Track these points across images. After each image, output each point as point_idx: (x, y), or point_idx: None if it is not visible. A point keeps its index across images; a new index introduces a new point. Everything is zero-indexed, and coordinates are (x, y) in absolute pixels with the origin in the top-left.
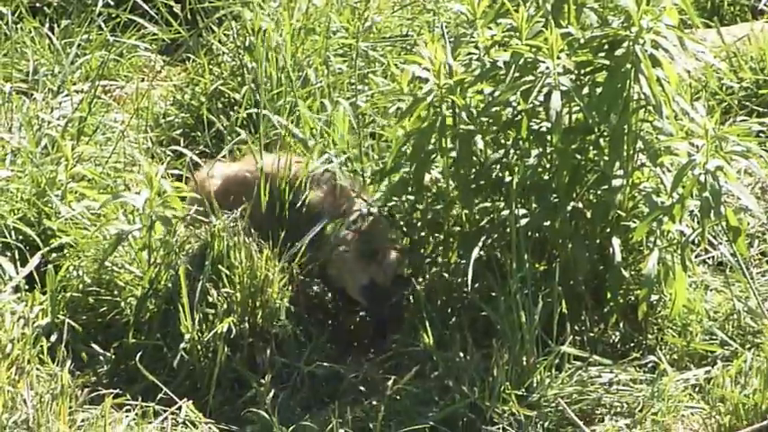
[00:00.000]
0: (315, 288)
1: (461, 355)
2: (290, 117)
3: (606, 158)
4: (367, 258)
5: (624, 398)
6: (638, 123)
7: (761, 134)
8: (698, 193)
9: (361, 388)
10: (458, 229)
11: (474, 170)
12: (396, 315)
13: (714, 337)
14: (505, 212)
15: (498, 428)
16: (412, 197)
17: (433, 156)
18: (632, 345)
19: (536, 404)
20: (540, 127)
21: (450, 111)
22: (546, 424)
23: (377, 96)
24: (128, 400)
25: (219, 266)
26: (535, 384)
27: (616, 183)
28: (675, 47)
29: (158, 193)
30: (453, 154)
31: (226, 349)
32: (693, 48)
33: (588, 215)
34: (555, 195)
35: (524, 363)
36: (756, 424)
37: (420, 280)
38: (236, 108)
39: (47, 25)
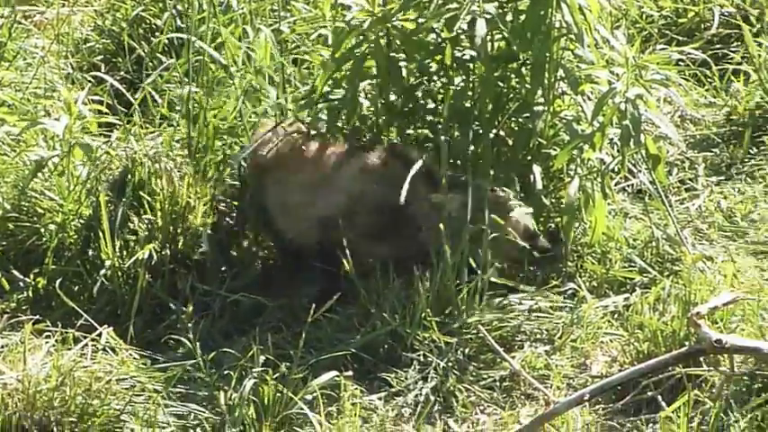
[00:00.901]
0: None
1: (383, 282)
2: (212, 44)
3: (528, 86)
4: None
5: (544, 325)
6: (559, 51)
7: (680, 63)
8: (618, 122)
9: (283, 315)
10: None
11: (399, 97)
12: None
13: (633, 265)
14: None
15: (419, 355)
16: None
17: (366, 82)
18: (552, 272)
19: (456, 331)
20: (464, 55)
21: (383, 38)
22: (466, 351)
23: (299, 23)
24: (47, 326)
25: (141, 193)
26: (456, 312)
27: (537, 110)
28: None
29: (78, 118)
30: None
31: (147, 276)
32: None
33: (510, 142)
34: (477, 123)
35: (446, 290)
36: (674, 351)
37: None
38: (157, 34)
39: None
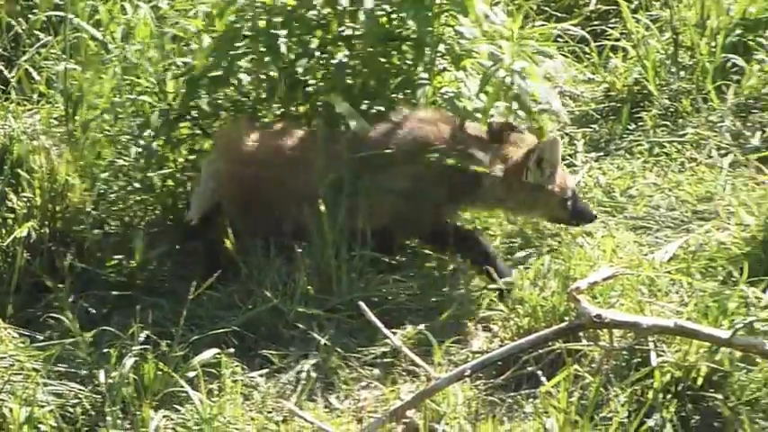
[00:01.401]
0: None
1: (264, 259)
2: (90, 21)
3: (410, 62)
4: None
5: (425, 301)
6: (441, 27)
7: (558, 39)
8: (503, 95)
9: (164, 292)
10: None
11: (279, 73)
12: None
13: (514, 240)
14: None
15: (300, 332)
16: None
17: (242, 58)
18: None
19: (338, 308)
20: (346, 31)
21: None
22: (347, 327)
23: (178, 0)
24: None
25: (19, 171)
26: (336, 288)
27: (419, 86)
28: None
29: None
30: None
31: (25, 254)
32: None
33: None
34: (360, 98)
35: (326, 267)
36: (554, 326)
37: None
38: (35, 11)
39: None
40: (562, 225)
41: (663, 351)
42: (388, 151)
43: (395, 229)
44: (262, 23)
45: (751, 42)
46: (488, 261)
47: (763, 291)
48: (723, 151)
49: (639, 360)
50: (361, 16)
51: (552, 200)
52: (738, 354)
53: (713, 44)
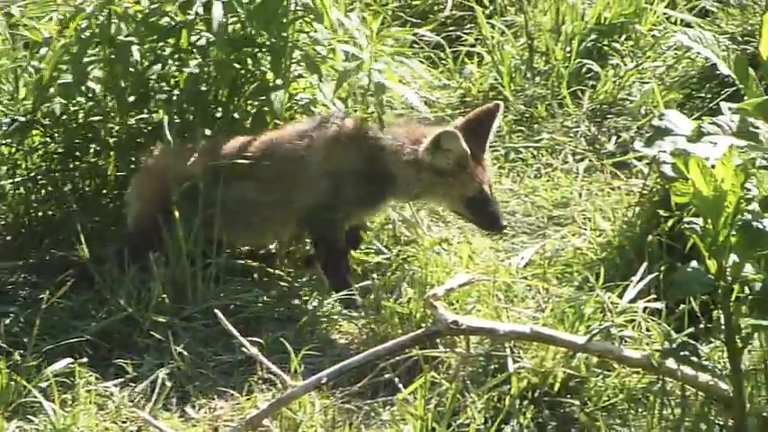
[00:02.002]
0: None
1: (118, 268)
2: None
3: (265, 68)
4: None
5: (282, 309)
6: (296, 34)
7: (414, 45)
8: (361, 97)
9: (16, 301)
10: (114, 140)
11: (130, 81)
12: None
13: (370, 247)
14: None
15: (155, 341)
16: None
17: (92, 66)
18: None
19: (194, 316)
20: (200, 38)
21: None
22: (203, 335)
23: (30, 7)
24: None
25: None
26: (192, 296)
27: (274, 93)
28: None
29: None
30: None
31: None
32: None
33: (247, 126)
34: (213, 106)
35: (182, 275)
36: (411, 333)
37: (75, 194)
38: None
39: None
40: (417, 231)
41: (520, 357)
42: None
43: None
44: (112, 30)
45: (606, 47)
46: (334, 276)
47: (619, 296)
48: (578, 156)
49: (496, 366)
50: (213, 23)
51: (453, 192)
52: (595, 359)
53: (568, 49)
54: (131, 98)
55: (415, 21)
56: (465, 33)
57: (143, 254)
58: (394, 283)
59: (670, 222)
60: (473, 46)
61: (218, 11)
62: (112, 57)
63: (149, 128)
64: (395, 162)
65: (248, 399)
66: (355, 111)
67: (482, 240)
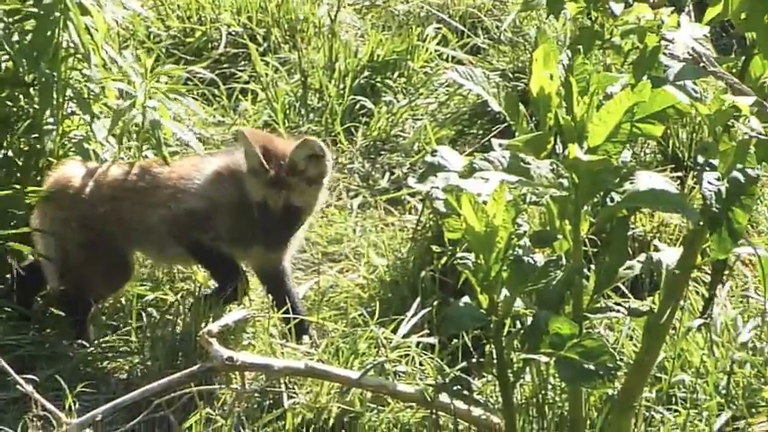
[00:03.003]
0: None
1: None
2: None
3: (37, 106)
4: None
5: (58, 347)
6: (68, 71)
7: (188, 82)
8: (136, 135)
9: None
10: None
11: None
12: None
13: (146, 283)
14: None
15: None
16: None
17: None
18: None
19: None
20: None
21: None
22: None
23: None
24: None
25: None
26: None
27: (46, 131)
28: None
29: None
30: None
31: None
32: None
33: (20, 163)
34: None
35: None
36: (187, 369)
37: None
38: None
39: None
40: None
41: (295, 393)
42: None
43: None
44: None
45: (379, 84)
46: None
47: (393, 331)
48: (353, 193)
49: (272, 402)
50: None
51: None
52: (369, 394)
53: (342, 86)
54: None
55: (189, 58)
56: (239, 70)
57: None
58: (172, 318)
59: (443, 258)
60: (247, 83)
61: None
62: None
63: None
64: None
65: None
66: (130, 149)
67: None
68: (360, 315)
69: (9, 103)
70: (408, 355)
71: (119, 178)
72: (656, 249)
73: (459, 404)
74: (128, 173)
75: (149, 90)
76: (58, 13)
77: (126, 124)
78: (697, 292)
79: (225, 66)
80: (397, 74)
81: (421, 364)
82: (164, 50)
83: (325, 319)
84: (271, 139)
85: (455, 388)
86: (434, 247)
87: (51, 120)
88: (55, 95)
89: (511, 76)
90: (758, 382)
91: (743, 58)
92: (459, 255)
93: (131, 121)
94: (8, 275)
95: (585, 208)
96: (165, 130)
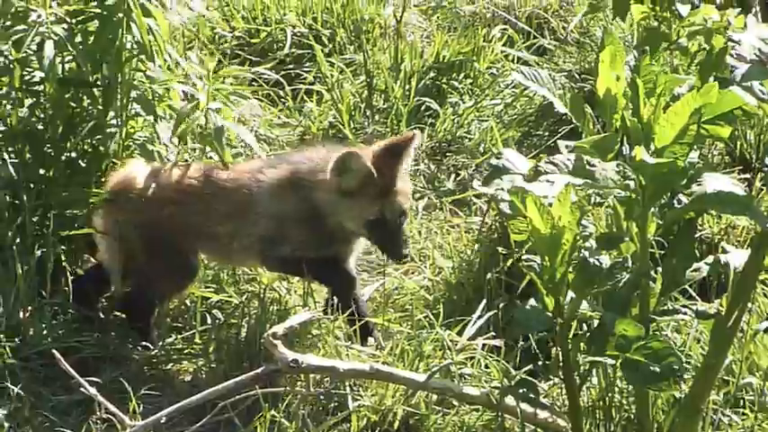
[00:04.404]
0: None
1: None
2: None
3: (100, 108)
4: None
5: (121, 350)
6: (131, 73)
7: (253, 83)
8: (198, 137)
9: None
10: None
11: None
12: None
13: (211, 285)
14: None
15: None
16: None
17: None
18: None
19: (30, 356)
20: (33, 77)
21: None
22: (41, 376)
23: None
24: None
25: None
26: (30, 336)
27: (110, 132)
28: None
29: None
30: None
31: None
32: None
33: (83, 165)
34: (49, 145)
35: (20, 314)
36: (251, 371)
37: None
38: None
39: None
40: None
41: (360, 395)
42: None
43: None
44: None
45: (444, 85)
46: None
47: (459, 333)
48: (418, 195)
49: (336, 404)
50: (44, 61)
51: (354, 213)
52: (434, 397)
53: (407, 87)
54: None
55: (254, 59)
56: (304, 71)
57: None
58: (235, 322)
59: (509, 260)
60: (312, 84)
61: (49, 49)
62: None
63: None
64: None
65: None
66: (194, 150)
67: None
68: (425, 317)
69: (73, 105)
70: (474, 357)
71: (182, 181)
72: (724, 251)
73: (526, 407)
74: (192, 176)
75: (212, 92)
76: (120, 15)
77: (189, 126)
78: (765, 295)
79: (290, 67)
80: (462, 75)
81: (486, 367)
82: (229, 51)
83: (390, 321)
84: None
85: (521, 391)
86: (500, 249)
87: (115, 121)
88: (118, 97)
89: (577, 77)
90: None
91: None
92: (524, 257)
93: (194, 124)
94: (71, 277)
95: (652, 210)
96: (229, 131)
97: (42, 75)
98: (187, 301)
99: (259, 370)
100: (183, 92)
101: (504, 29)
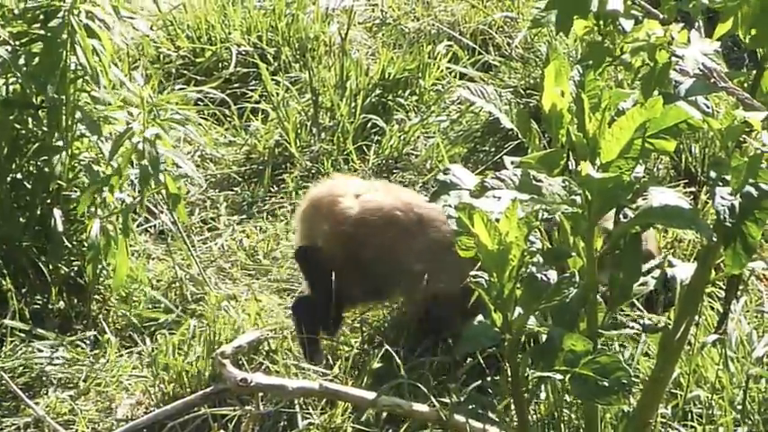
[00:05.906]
0: None
1: None
2: None
3: (45, 129)
4: None
5: (68, 369)
6: (76, 94)
7: (199, 102)
8: (137, 161)
9: None
10: None
11: None
12: None
13: (158, 305)
14: None
15: None
16: None
17: None
18: (77, 316)
19: None
20: None
21: None
22: None
23: None
24: None
25: None
26: None
27: (55, 154)
28: (111, 16)
29: None
30: None
31: None
32: (130, 17)
33: (29, 186)
34: None
35: None
36: (200, 391)
37: None
38: None
39: None
40: (204, 289)
41: (309, 413)
42: None
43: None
44: None
45: (390, 102)
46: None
47: (409, 351)
48: None
49: (286, 423)
50: None
51: None
52: (385, 414)
53: (353, 105)
54: None
55: (199, 78)
56: (250, 90)
57: None
58: (182, 342)
59: None
60: (258, 102)
61: None
62: None
63: None
64: None
65: None
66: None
67: (271, 297)
68: (374, 334)
69: (17, 126)
70: (423, 374)
71: (384, 209)
72: (671, 265)
73: (475, 423)
74: (394, 206)
75: (153, 115)
76: (64, 36)
77: (128, 151)
78: (712, 308)
79: (235, 85)
80: (408, 92)
81: (436, 384)
82: (174, 71)
83: (339, 338)
84: None
85: (470, 407)
86: None
87: (60, 142)
88: (63, 117)
89: (522, 92)
90: None
91: (754, 72)
92: (471, 273)
93: (133, 151)
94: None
95: (598, 224)
96: (166, 159)
97: None
98: (135, 321)
99: (208, 389)
100: (129, 113)
101: (449, 45)
